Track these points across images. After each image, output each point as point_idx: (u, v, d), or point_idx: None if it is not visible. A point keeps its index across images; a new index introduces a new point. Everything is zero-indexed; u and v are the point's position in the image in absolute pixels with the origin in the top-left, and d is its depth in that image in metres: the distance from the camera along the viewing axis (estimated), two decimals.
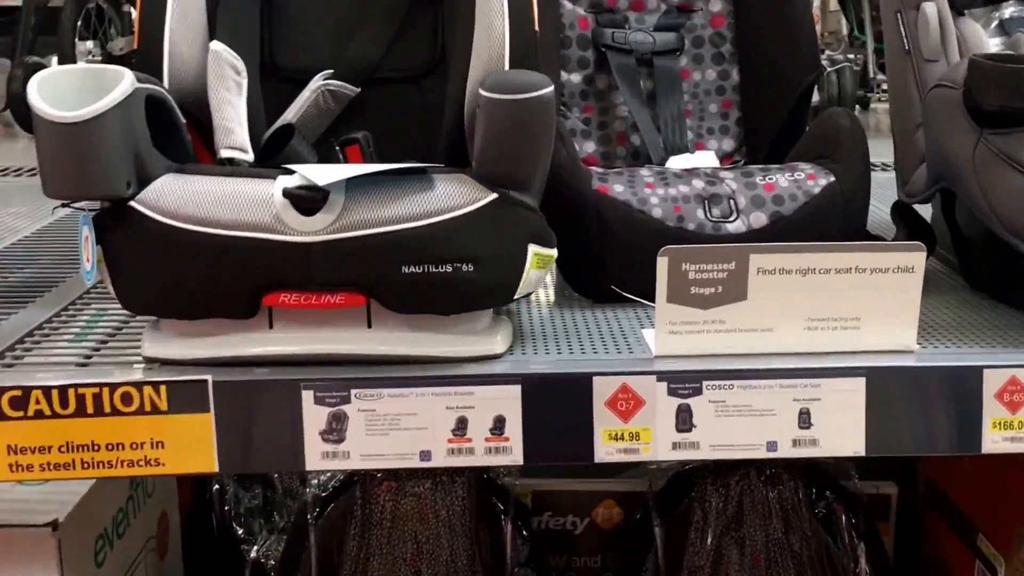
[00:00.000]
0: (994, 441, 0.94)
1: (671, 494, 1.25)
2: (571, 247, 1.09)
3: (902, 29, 1.17)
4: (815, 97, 2.18)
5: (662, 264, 0.92)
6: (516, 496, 1.24)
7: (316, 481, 1.22)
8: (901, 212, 1.24)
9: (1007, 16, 1.22)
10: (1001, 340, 1.00)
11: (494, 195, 0.90)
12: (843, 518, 1.22)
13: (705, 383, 0.92)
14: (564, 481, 1.30)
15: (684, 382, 0.91)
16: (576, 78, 1.29)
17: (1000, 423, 0.94)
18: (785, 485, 1.26)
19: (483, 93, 0.90)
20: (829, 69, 2.32)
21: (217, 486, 1.36)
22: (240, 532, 1.35)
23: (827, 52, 2.72)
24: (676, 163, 1.19)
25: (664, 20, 1.32)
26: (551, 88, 0.91)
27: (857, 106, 2.55)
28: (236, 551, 1.32)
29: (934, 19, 1.12)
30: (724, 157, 1.30)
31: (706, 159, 1.21)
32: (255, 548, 1.30)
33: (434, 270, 0.88)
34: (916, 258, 0.94)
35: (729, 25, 1.33)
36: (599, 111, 1.30)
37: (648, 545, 1.22)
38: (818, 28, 2.43)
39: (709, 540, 1.21)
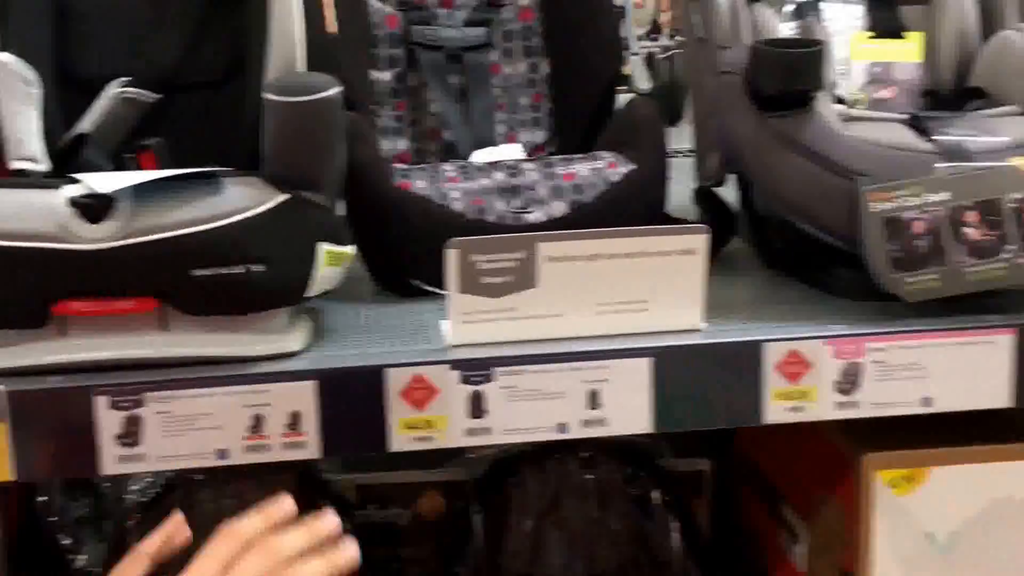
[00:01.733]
0: (776, 412, 0.99)
1: (491, 481, 1.28)
2: (375, 244, 1.11)
3: (696, 16, 1.22)
4: (648, 84, 2.25)
5: (451, 256, 0.94)
6: (339, 491, 1.26)
7: (138, 487, 1.22)
8: (703, 196, 1.29)
9: (801, 0, 1.28)
10: (788, 315, 1.05)
11: (284, 196, 0.91)
12: (657, 496, 1.27)
13: (496, 369, 0.94)
14: (388, 474, 1.32)
15: (476, 369, 0.94)
16: (386, 76, 1.30)
17: (781, 394, 0.99)
18: (601, 467, 1.29)
19: (266, 96, 0.91)
20: (661, 55, 2.37)
21: (43, 498, 1.34)
22: (68, 542, 1.33)
23: (676, 38, 2.76)
24: (480, 157, 1.22)
25: (473, 15, 1.34)
26: (336, 90, 0.93)
27: None
28: (63, 561, 1.31)
29: (725, 5, 1.17)
30: (536, 149, 1.33)
31: (511, 152, 1.24)
32: (81, 558, 1.29)
33: (224, 272, 0.89)
34: (698, 240, 0.98)
35: (538, 19, 1.35)
36: (411, 108, 1.31)
37: (468, 533, 1.24)
38: (668, 15, 2.49)
39: (528, 524, 1.24)
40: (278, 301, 0.94)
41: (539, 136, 1.34)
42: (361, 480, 1.32)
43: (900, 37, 1.23)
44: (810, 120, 1.02)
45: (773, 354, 0.98)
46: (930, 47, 1.22)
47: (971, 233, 0.99)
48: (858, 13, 1.27)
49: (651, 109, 1.21)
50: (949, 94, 1.20)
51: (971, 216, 0.99)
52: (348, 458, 1.33)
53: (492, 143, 1.29)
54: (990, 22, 1.19)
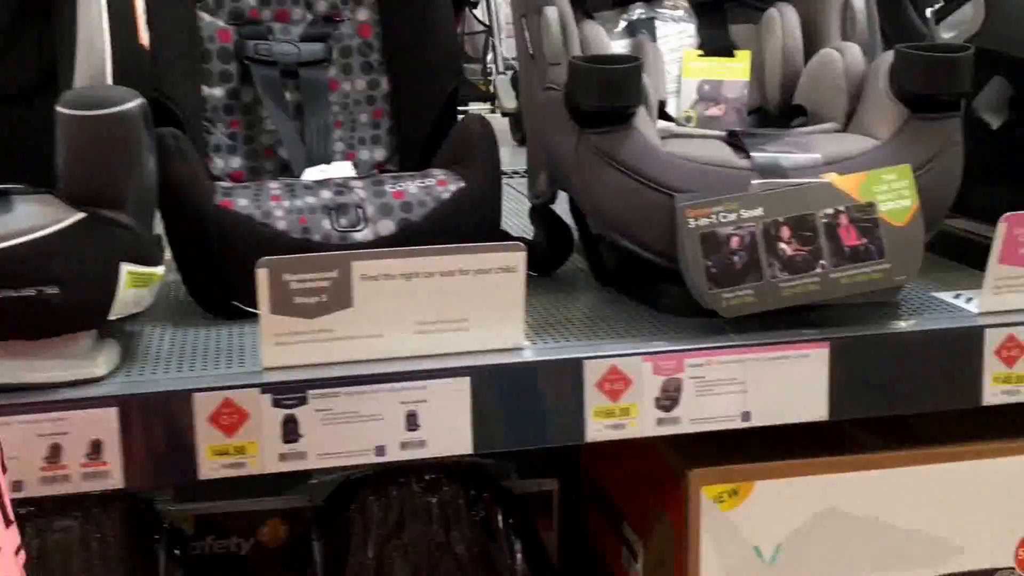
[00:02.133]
0: (597, 430, 0.99)
1: (333, 507, 1.25)
2: (194, 264, 1.08)
3: (526, 34, 1.21)
4: (514, 102, 2.24)
5: (262, 275, 0.92)
6: (173, 522, 1.22)
7: None
8: (538, 214, 1.29)
9: (634, 17, 1.29)
10: (613, 333, 1.05)
11: (81, 214, 0.88)
12: (500, 517, 1.25)
13: (310, 392, 0.92)
14: (227, 503, 1.28)
15: (288, 393, 0.92)
16: (219, 92, 1.27)
17: (602, 411, 0.99)
18: (445, 489, 1.28)
19: (58, 109, 0.87)
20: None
21: None
22: None
23: None
24: (311, 175, 1.19)
25: (310, 30, 1.32)
26: (135, 103, 0.90)
27: None
28: None
29: (555, 23, 1.17)
30: (376, 166, 1.31)
31: (342, 169, 1.22)
32: None
33: (14, 294, 0.85)
34: (516, 258, 0.97)
35: (377, 34, 1.34)
36: (246, 125, 1.28)
37: (310, 561, 1.21)
38: None
39: (371, 550, 1.22)
40: (76, 325, 0.90)
41: (379, 154, 1.32)
42: (198, 510, 1.27)
43: (730, 55, 1.25)
44: (629, 136, 1.02)
45: (593, 372, 0.98)
46: (758, 65, 1.23)
47: (786, 249, 1.00)
48: (690, 31, 1.29)
49: (483, 126, 1.20)
50: (776, 111, 1.21)
51: (785, 232, 1.00)
52: (184, 487, 1.29)
53: (329, 161, 1.26)
54: (814, 41, 1.21)
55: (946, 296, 1.12)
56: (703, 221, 1.00)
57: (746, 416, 1.01)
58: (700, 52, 1.26)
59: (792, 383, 1.01)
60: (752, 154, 1.04)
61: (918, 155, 1.03)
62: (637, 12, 1.30)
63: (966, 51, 1.02)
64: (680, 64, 1.26)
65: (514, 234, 1.31)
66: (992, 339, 1.04)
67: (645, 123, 1.05)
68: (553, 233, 1.27)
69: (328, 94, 1.31)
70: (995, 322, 1.04)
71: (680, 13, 1.31)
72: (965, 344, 1.03)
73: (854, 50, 1.14)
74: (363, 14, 1.33)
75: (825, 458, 1.09)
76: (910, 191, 1.01)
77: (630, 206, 1.02)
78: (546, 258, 1.27)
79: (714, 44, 1.26)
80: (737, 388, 1.00)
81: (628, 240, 1.04)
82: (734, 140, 1.07)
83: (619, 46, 1.26)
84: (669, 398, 1.00)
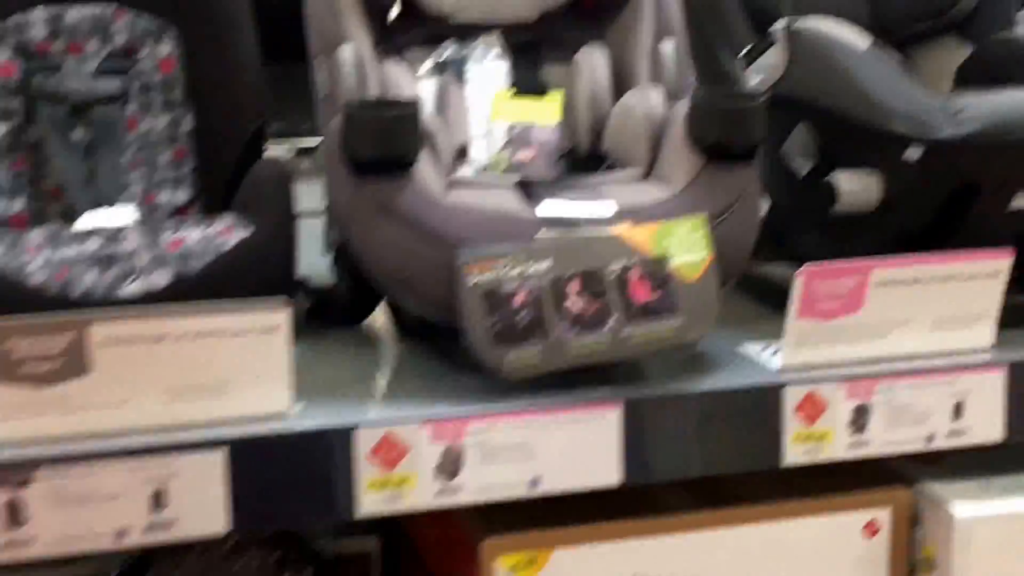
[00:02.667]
0: (371, 503, 0.91)
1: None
2: None
3: (322, 74, 1.15)
4: None
5: None
6: None
7: None
8: (342, 261, 1.22)
9: (444, 57, 1.23)
10: (397, 393, 0.99)
11: None
12: None
13: (39, 472, 0.84)
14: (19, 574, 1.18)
15: (12, 472, 0.83)
16: (2, 130, 1.18)
17: (377, 483, 0.92)
18: (251, 553, 1.20)
19: None
20: None
21: None
22: None
23: None
24: (85, 222, 1.11)
25: (106, 64, 1.23)
26: None
27: None
28: None
29: (348, 63, 1.10)
30: (178, 210, 1.23)
31: (122, 215, 1.13)
32: None
33: None
34: (279, 317, 0.90)
35: (179, 70, 1.26)
36: (31, 165, 1.19)
37: None
38: None
39: None
40: None
41: (182, 196, 1.23)
42: None
43: (542, 96, 1.19)
44: (406, 186, 0.96)
45: (365, 441, 0.91)
46: (569, 108, 1.18)
47: (574, 305, 0.94)
48: (504, 70, 1.23)
49: (276, 170, 1.13)
50: (585, 156, 1.16)
51: (574, 287, 0.94)
52: None
53: (123, 202, 1.18)
54: (623, 83, 1.16)
55: (755, 348, 1.07)
56: (486, 276, 0.93)
57: (535, 483, 0.95)
58: (512, 93, 1.21)
59: (583, 447, 0.95)
60: (542, 203, 0.98)
61: (713, 205, 0.98)
62: (448, 51, 1.24)
63: (758, 100, 0.98)
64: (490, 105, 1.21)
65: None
66: (792, 397, 0.99)
67: (427, 171, 0.98)
68: (359, 281, 1.20)
69: (125, 133, 1.22)
70: (795, 378, 1.00)
71: (494, 52, 1.25)
72: (764, 402, 0.99)
73: (656, 94, 1.09)
74: (165, 48, 1.25)
75: (627, 522, 1.03)
76: (704, 243, 0.96)
77: (408, 260, 0.96)
78: (350, 308, 1.20)
79: (526, 85, 1.20)
80: (523, 454, 0.94)
81: (406, 297, 0.97)
82: (525, 188, 1.01)
83: (427, 86, 1.20)
84: (450, 466, 0.93)
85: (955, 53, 1.23)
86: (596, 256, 0.95)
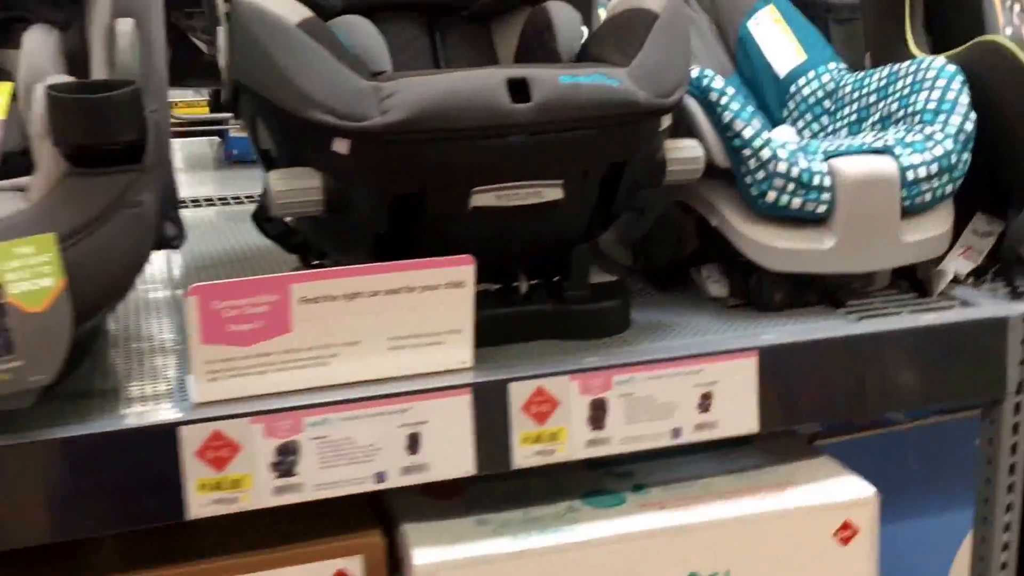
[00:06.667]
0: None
1: None
2: None
3: None
4: None
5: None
6: None
7: None
8: None
9: None
10: None
11: None
12: None
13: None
14: None
15: None
16: None
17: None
18: None
19: None
20: None
21: None
22: None
23: None
24: None
25: None
26: None
27: None
28: None
29: None
30: None
31: None
32: None
33: None
34: None
35: None
36: None
37: None
38: None
39: None
40: None
41: None
42: None
43: None
44: None
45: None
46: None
47: None
48: None
49: None
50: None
51: None
52: None
53: None
54: (78, 70, 0.99)
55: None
56: None
57: None
58: None
59: None
60: None
61: (71, 221, 0.82)
62: None
63: (122, 90, 0.82)
64: None
65: None
66: (192, 439, 0.84)
67: None
68: None
69: None
70: (198, 417, 0.85)
71: None
72: (163, 445, 0.84)
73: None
74: None
75: None
76: (53, 268, 0.80)
77: None
78: None
79: None
80: None
81: None
82: None
83: None
84: None
85: None
86: None
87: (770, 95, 1.35)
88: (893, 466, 1.29)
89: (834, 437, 1.25)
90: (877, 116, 1.21)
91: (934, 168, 1.08)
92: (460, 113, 0.86)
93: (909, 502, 1.28)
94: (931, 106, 1.13)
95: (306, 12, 0.91)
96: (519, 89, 0.89)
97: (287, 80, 0.87)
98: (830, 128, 1.29)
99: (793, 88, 1.32)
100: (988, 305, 1.11)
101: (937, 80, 1.14)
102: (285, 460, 0.86)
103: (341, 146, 0.87)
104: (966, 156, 1.11)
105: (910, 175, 1.08)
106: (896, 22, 1.30)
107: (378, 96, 0.86)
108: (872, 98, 1.23)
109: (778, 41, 1.35)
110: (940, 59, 1.17)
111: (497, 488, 1.02)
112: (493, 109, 0.87)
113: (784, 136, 1.29)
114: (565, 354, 0.98)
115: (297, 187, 0.89)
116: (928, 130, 1.11)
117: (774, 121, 1.35)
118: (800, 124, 1.32)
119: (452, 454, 0.90)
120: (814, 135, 1.30)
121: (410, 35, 1.19)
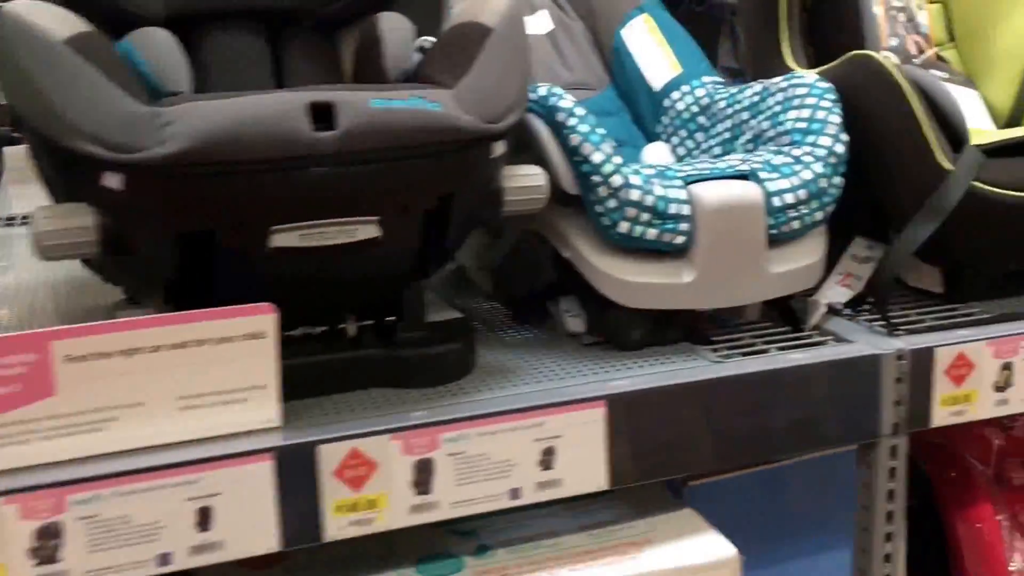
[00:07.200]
0: None
1: None
2: None
3: None
4: None
5: None
6: None
7: None
8: None
9: None
10: None
11: None
12: None
13: None
14: None
15: None
16: None
17: None
18: None
19: None
20: None
21: None
22: None
23: None
24: None
25: None
26: None
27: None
28: None
29: None
30: None
31: None
32: None
33: None
34: None
35: None
36: None
37: None
38: None
39: None
40: None
41: None
42: None
43: None
44: None
45: None
46: None
47: None
48: None
49: None
50: None
51: None
52: None
53: None
54: None
55: None
56: None
57: None
58: None
59: None
60: None
61: None
62: None
63: None
64: None
65: None
66: None
67: None
68: None
69: None
70: None
71: None
72: None
73: None
74: None
75: None
76: None
77: None
78: None
79: None
80: None
81: None
82: None
83: None
84: None
85: None
86: None
87: (645, 108, 1.26)
88: (774, 502, 1.22)
89: (710, 476, 1.18)
90: (750, 134, 1.13)
91: (802, 194, 1.00)
92: (252, 142, 0.75)
93: (789, 537, 1.20)
94: (800, 125, 1.04)
95: (81, 25, 0.80)
96: (323, 115, 0.78)
97: (49, 105, 0.76)
98: (704, 145, 1.21)
99: (667, 102, 1.23)
100: (862, 341, 1.03)
101: (807, 98, 1.05)
102: (45, 546, 0.74)
103: (113, 180, 0.76)
104: (837, 180, 1.02)
105: (776, 201, 0.99)
106: (771, 33, 1.22)
107: (156, 123, 0.75)
108: (745, 115, 1.14)
109: (652, 52, 1.26)
110: (812, 75, 1.08)
111: (320, 554, 0.91)
112: (291, 138, 0.77)
113: (657, 153, 1.20)
114: (392, 407, 0.88)
115: (64, 227, 0.78)
116: (796, 152, 1.03)
117: (649, 136, 1.26)
118: (675, 140, 1.23)
119: (251, 529, 0.79)
120: (689, 152, 1.21)
121: (245, 46, 1.08)
